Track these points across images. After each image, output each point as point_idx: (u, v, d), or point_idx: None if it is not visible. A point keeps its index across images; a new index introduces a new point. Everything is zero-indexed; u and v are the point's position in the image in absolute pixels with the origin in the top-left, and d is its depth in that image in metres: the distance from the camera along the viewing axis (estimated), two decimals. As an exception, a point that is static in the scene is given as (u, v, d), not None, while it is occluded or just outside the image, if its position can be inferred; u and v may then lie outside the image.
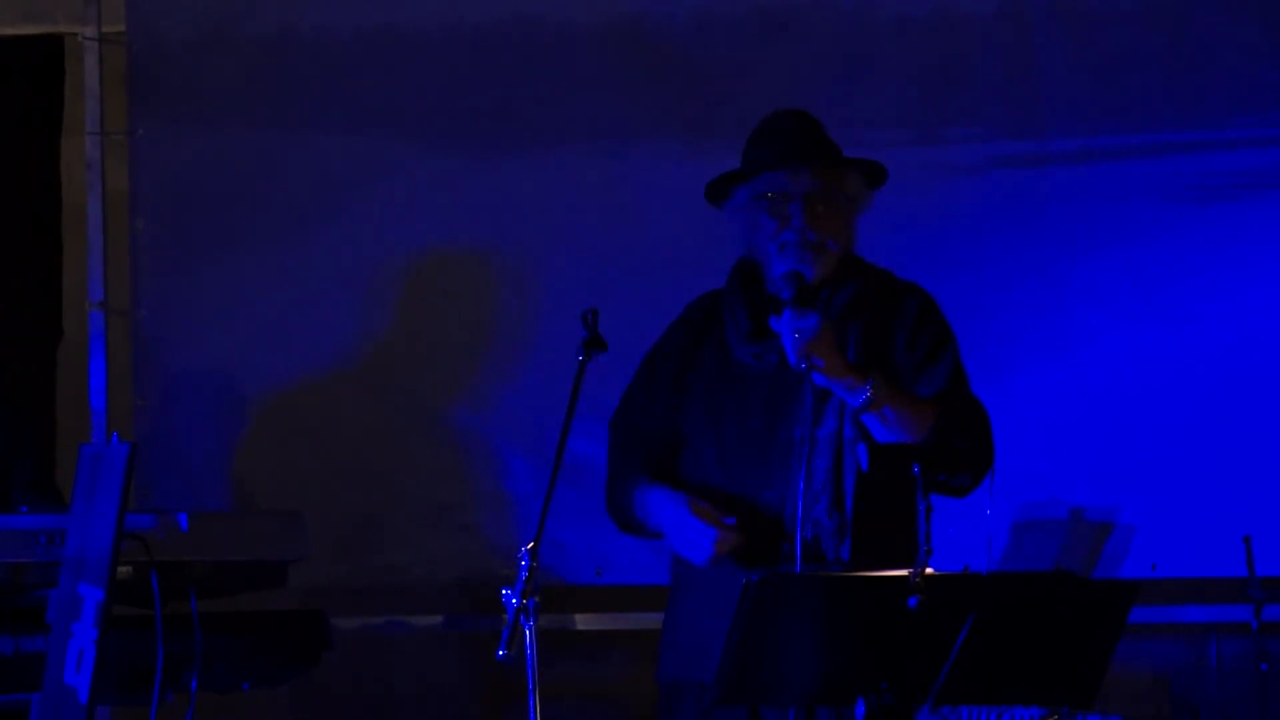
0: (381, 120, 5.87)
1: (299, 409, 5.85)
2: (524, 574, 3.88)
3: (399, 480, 5.82)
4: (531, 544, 3.91)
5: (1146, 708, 5.69)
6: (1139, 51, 5.72)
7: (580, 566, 5.71)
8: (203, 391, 5.84)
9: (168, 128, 5.88)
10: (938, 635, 3.72)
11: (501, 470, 5.78)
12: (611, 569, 5.70)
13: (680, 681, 4.45)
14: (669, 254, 5.63)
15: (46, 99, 6.24)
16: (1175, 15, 5.72)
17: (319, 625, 5.00)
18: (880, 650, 3.76)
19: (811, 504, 4.32)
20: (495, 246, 5.83)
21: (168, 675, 4.45)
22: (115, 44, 5.91)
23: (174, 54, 5.89)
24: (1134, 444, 5.61)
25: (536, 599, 3.89)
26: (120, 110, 5.91)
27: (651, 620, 4.73)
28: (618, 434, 4.61)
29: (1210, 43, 5.71)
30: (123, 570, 4.31)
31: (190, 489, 5.76)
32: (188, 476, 5.81)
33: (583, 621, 5.78)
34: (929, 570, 3.72)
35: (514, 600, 3.88)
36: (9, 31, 6.17)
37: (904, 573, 3.71)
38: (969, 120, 5.74)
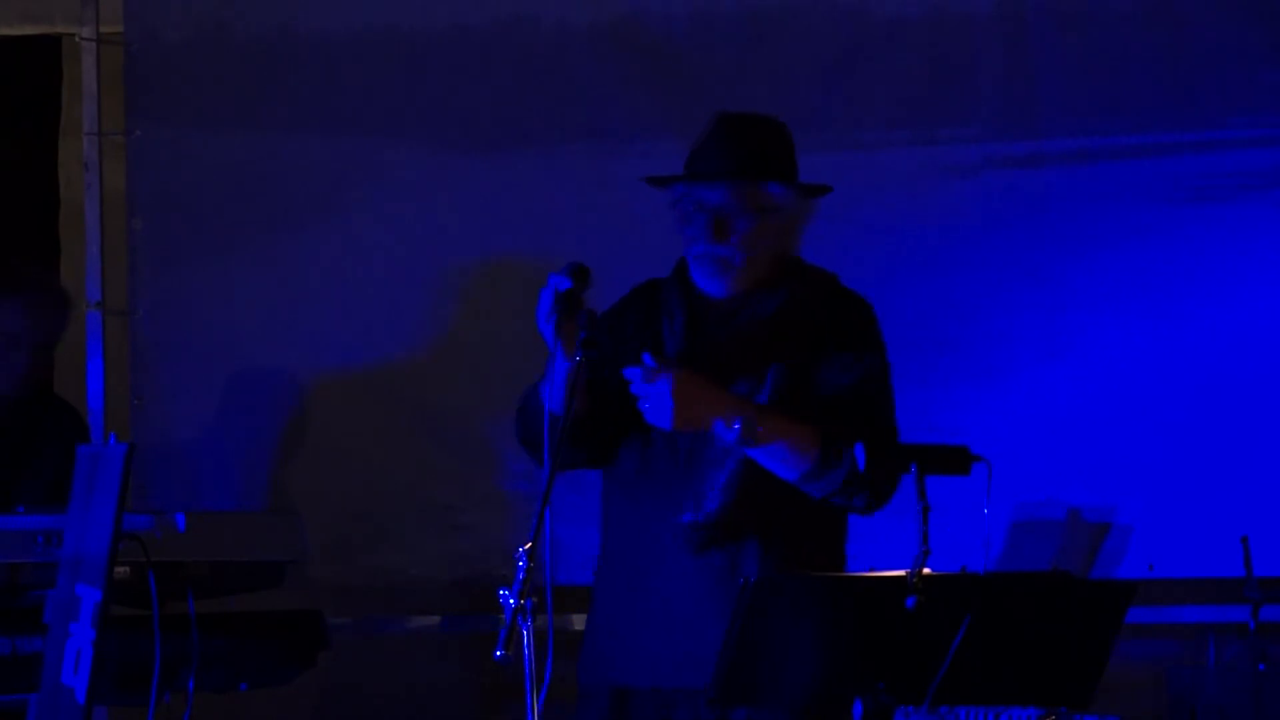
0: (380, 120, 5.87)
1: (297, 409, 5.85)
2: (521, 574, 3.88)
3: (399, 480, 5.82)
4: (529, 544, 3.91)
5: (1143, 708, 5.69)
6: (1137, 51, 5.72)
7: (578, 567, 5.70)
8: (200, 392, 5.84)
9: (165, 128, 5.87)
10: (935, 635, 3.72)
11: (501, 471, 5.77)
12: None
13: (592, 685, 4.46)
14: (668, 254, 5.61)
15: (44, 99, 6.24)
16: (1173, 15, 5.72)
17: (317, 625, 5.00)
18: (877, 650, 3.76)
19: (723, 498, 4.28)
20: (494, 247, 5.82)
21: (165, 676, 4.45)
22: (113, 44, 5.90)
23: (172, 55, 5.89)
24: (1131, 444, 5.61)
25: (534, 599, 3.88)
26: (118, 111, 5.91)
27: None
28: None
29: (1208, 42, 5.71)
30: (120, 570, 4.32)
31: (188, 489, 5.76)
32: (185, 477, 5.81)
33: (580, 622, 5.77)
34: (926, 570, 3.72)
35: (511, 601, 3.88)
36: (7, 32, 6.17)
37: (902, 573, 3.72)
38: (965, 120, 5.74)
